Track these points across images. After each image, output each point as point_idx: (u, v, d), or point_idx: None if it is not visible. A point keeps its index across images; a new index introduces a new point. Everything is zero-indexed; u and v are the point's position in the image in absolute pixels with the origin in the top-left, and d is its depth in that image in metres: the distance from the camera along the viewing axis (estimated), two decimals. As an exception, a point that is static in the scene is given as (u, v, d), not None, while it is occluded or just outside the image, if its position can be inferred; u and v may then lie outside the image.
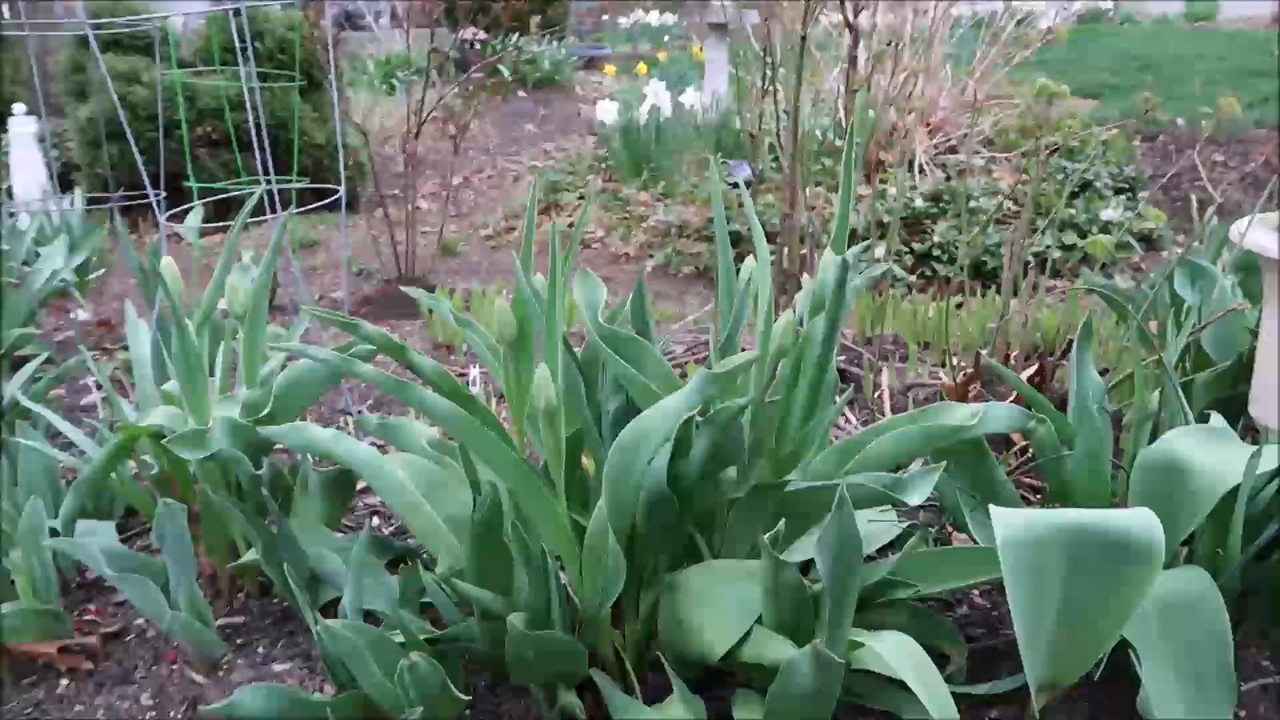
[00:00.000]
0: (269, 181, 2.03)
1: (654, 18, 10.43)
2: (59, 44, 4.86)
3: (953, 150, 4.56)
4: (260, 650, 1.45)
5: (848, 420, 2.08)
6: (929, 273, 3.67)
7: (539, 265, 1.34)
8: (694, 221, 4.07)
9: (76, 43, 4.71)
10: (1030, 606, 1.03)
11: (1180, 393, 1.46)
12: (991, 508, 1.05)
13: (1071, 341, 1.68)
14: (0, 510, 1.47)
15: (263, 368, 1.57)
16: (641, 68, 7.03)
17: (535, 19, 5.70)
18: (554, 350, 1.17)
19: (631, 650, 1.28)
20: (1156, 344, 1.63)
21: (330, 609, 1.37)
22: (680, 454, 1.16)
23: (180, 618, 1.34)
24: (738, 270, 1.38)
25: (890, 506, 1.58)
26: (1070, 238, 3.64)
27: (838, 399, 1.42)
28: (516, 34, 5.63)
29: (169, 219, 2.27)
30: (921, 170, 4.31)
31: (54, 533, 1.49)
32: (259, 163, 2.16)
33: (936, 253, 3.70)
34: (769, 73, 2.32)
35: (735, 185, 3.97)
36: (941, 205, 3.91)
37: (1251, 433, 1.57)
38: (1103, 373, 1.50)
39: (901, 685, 1.09)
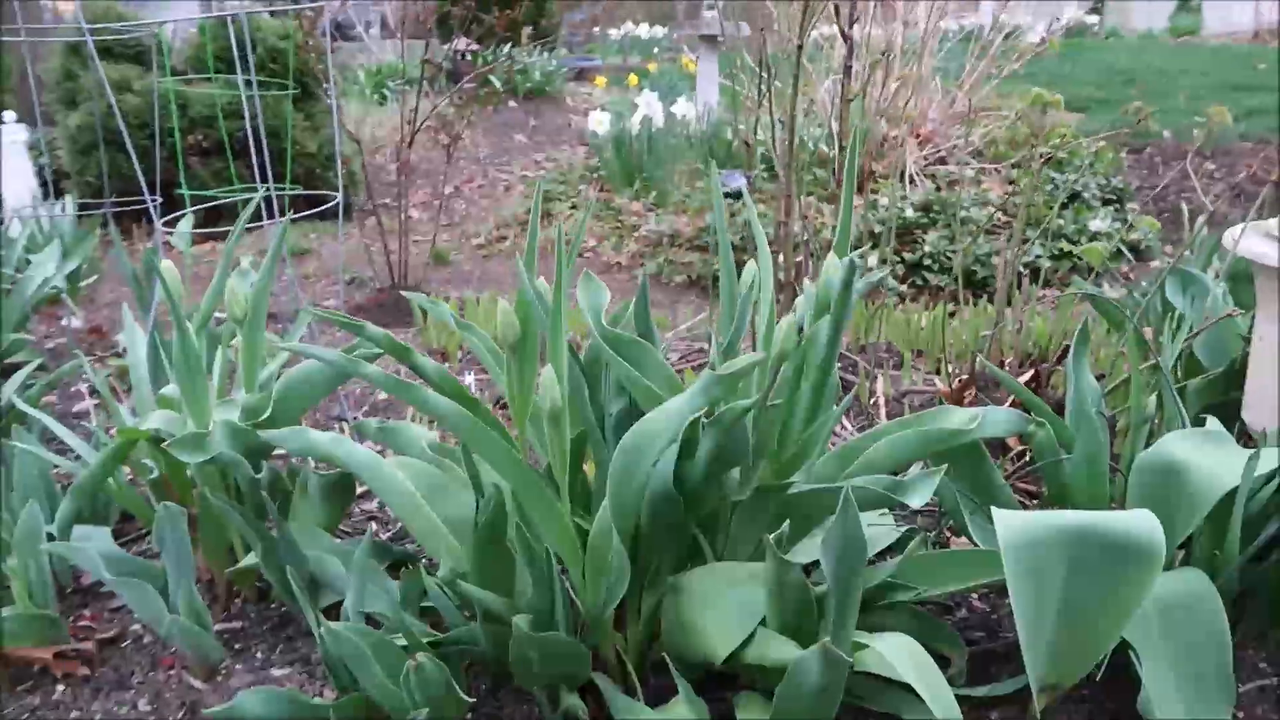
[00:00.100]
0: (267, 188, 2.03)
1: (644, 30, 10.49)
2: (49, 51, 4.84)
3: (942, 161, 4.59)
4: (258, 655, 1.44)
5: (843, 427, 2.09)
6: (920, 282, 3.70)
7: (539, 270, 1.35)
8: (686, 231, 4.08)
9: (67, 50, 4.70)
10: (1032, 607, 1.04)
11: (1177, 397, 1.48)
12: (994, 509, 1.06)
13: (1067, 348, 1.70)
14: (-4, 515, 1.46)
15: (262, 372, 1.57)
16: (632, 79, 7.06)
17: (527, 30, 5.72)
18: (559, 351, 1.17)
19: (633, 652, 1.28)
20: (1154, 348, 1.65)
21: (329, 614, 1.37)
22: (686, 455, 1.16)
23: (179, 622, 1.33)
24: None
25: (888, 510, 1.59)
26: (1060, 247, 3.67)
27: (838, 403, 1.43)
28: (509, 45, 5.65)
29: (165, 225, 2.27)
30: (912, 181, 4.34)
31: (50, 538, 1.48)
32: (256, 168, 2.16)
33: (927, 262, 3.73)
34: (764, 88, 2.34)
35: (729, 195, 3.99)
36: (931, 215, 3.94)
37: (1244, 438, 1.59)
38: (1098, 379, 1.52)
39: (902, 686, 1.10)
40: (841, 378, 2.33)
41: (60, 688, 1.39)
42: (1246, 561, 1.27)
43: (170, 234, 2.34)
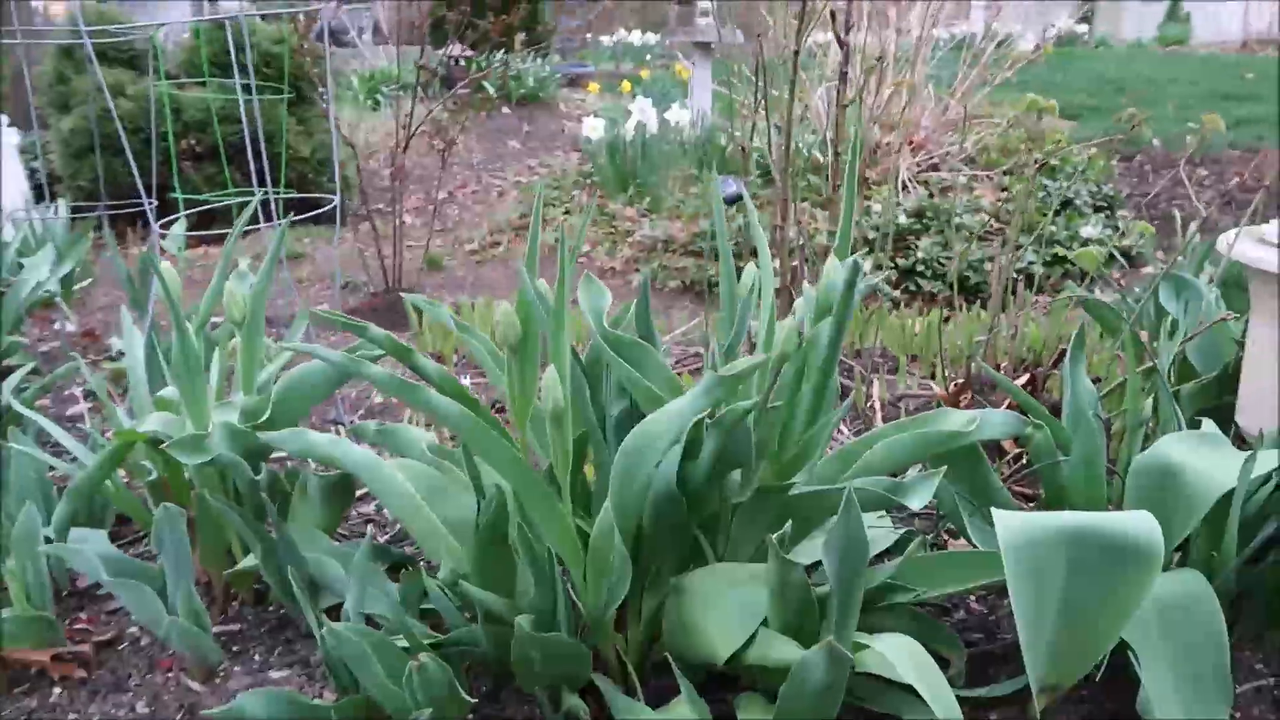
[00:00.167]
0: (265, 192, 2.03)
1: (637, 37, 10.51)
2: (42, 55, 4.83)
3: (935, 168, 4.61)
4: (257, 658, 1.44)
5: (840, 432, 2.09)
6: (913, 288, 3.71)
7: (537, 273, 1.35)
8: (680, 236, 4.09)
9: (60, 54, 4.68)
10: (1032, 607, 1.04)
11: (1173, 400, 1.49)
12: (994, 510, 1.07)
13: (1062, 352, 1.71)
14: (-6, 516, 1.46)
15: (260, 374, 1.56)
16: (625, 86, 7.07)
17: (521, 36, 5.72)
18: (562, 352, 1.17)
19: (634, 653, 1.28)
20: (1150, 351, 1.66)
21: (328, 616, 1.36)
22: (690, 456, 1.16)
23: (178, 623, 1.33)
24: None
25: (886, 513, 1.60)
26: (1054, 253, 3.69)
27: (838, 406, 1.44)
28: (503, 51, 5.65)
29: (162, 228, 2.26)
30: (905, 187, 4.36)
31: (47, 540, 1.48)
32: (254, 172, 2.16)
33: (920, 268, 3.74)
34: (760, 96, 2.35)
35: (725, 202, 4.00)
36: (924, 222, 3.96)
37: (1239, 441, 1.60)
38: (1094, 382, 1.53)
39: (902, 687, 1.10)
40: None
41: (57, 690, 1.38)
42: (1243, 563, 1.28)
43: (161, 240, 2.34)
